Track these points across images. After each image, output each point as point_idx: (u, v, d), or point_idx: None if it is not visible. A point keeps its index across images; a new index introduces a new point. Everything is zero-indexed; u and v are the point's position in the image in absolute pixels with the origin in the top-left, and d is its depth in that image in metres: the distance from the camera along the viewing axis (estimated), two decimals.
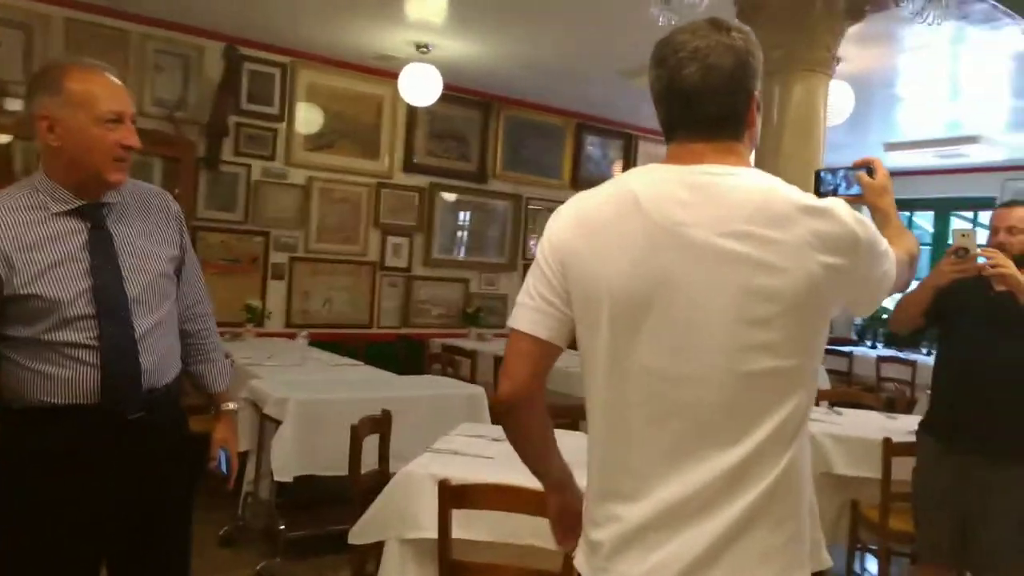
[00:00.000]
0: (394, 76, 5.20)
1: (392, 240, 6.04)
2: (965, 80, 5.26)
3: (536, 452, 1.30)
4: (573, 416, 3.30)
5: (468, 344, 5.57)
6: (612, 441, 1.16)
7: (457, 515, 2.12)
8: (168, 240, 1.77)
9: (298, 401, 3.23)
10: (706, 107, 1.15)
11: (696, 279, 1.09)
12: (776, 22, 3.24)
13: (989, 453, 2.53)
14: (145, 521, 1.70)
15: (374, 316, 5.96)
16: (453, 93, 5.70)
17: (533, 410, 1.24)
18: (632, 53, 4.98)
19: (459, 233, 6.44)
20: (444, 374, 4.83)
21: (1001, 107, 5.80)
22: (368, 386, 3.75)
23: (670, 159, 1.19)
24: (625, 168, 7.25)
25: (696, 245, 1.09)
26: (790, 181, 1.16)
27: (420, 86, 5.05)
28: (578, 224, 1.18)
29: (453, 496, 2.07)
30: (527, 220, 6.75)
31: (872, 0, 3.00)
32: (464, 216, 6.46)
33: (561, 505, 1.34)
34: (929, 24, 2.76)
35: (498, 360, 4.76)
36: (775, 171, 1.20)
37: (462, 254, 6.44)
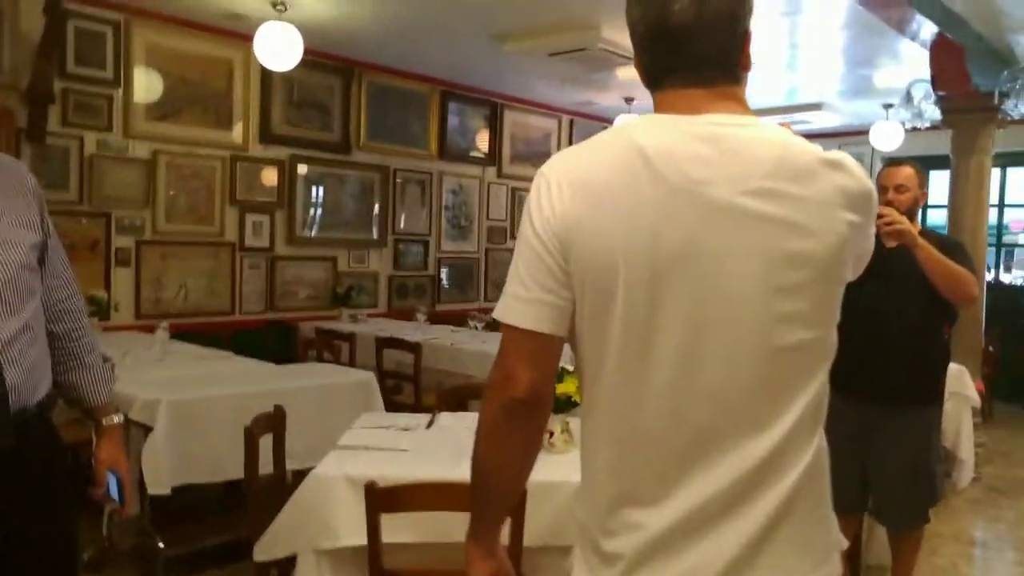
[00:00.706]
0: (245, 38, 4.73)
1: (251, 218, 5.56)
2: (804, 49, 5.50)
3: (520, 471, 1.11)
4: (461, 396, 3.16)
5: (343, 327, 5.26)
6: (627, 438, 1.01)
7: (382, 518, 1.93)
8: (28, 223, 1.43)
9: (171, 402, 2.87)
10: (701, 47, 1.02)
11: (721, 244, 0.96)
12: None
13: (888, 401, 2.66)
14: (26, 562, 1.37)
15: (236, 302, 5.49)
16: (312, 58, 5.29)
17: (544, 417, 1.07)
18: (506, 15, 4.83)
19: (322, 209, 6.04)
20: (321, 360, 4.52)
21: (835, 75, 6.17)
22: (246, 379, 3.41)
23: (666, 108, 1.04)
24: (492, 139, 7.13)
25: (718, 206, 0.97)
26: None
27: (278, 49, 4.61)
28: (576, 191, 1.00)
29: (383, 500, 1.86)
30: (395, 193, 6.44)
31: None
32: (327, 190, 6.06)
33: (494, 573, 1.15)
34: None
35: (381, 342, 4.52)
36: None
37: (328, 231, 6.05)
